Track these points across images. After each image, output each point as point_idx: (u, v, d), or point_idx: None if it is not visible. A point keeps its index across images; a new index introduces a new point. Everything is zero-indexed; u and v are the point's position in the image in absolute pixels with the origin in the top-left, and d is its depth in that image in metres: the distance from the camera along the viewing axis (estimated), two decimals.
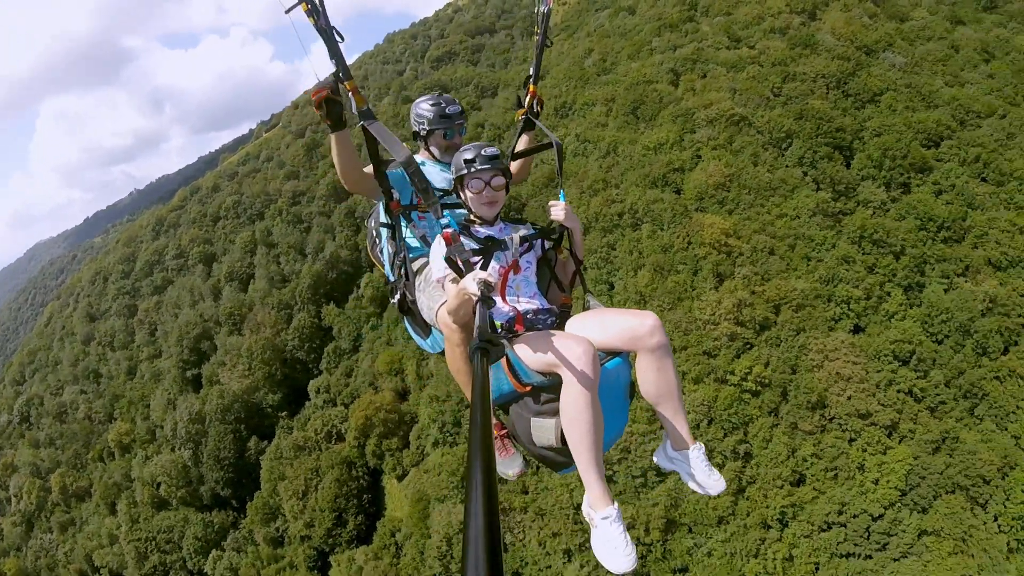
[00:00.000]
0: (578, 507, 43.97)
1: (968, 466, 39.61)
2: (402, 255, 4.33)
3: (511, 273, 3.89)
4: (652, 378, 3.52)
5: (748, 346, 45.67)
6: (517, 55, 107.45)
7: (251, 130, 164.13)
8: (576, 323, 3.74)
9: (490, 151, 3.91)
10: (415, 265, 4.37)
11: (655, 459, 3.90)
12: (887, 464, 39.94)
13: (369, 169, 4.24)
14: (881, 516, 39.17)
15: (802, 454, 40.85)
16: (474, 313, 3.08)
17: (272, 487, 55.75)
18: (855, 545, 39.02)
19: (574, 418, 3.14)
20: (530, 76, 4.85)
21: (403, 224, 4.36)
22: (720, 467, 41.22)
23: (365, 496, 53.00)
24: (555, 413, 3.32)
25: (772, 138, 58.38)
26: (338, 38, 3.79)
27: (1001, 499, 40.40)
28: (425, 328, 4.48)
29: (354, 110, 3.89)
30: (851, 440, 41.19)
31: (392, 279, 4.57)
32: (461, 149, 3.99)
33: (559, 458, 3.49)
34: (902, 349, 43.77)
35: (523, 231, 4.04)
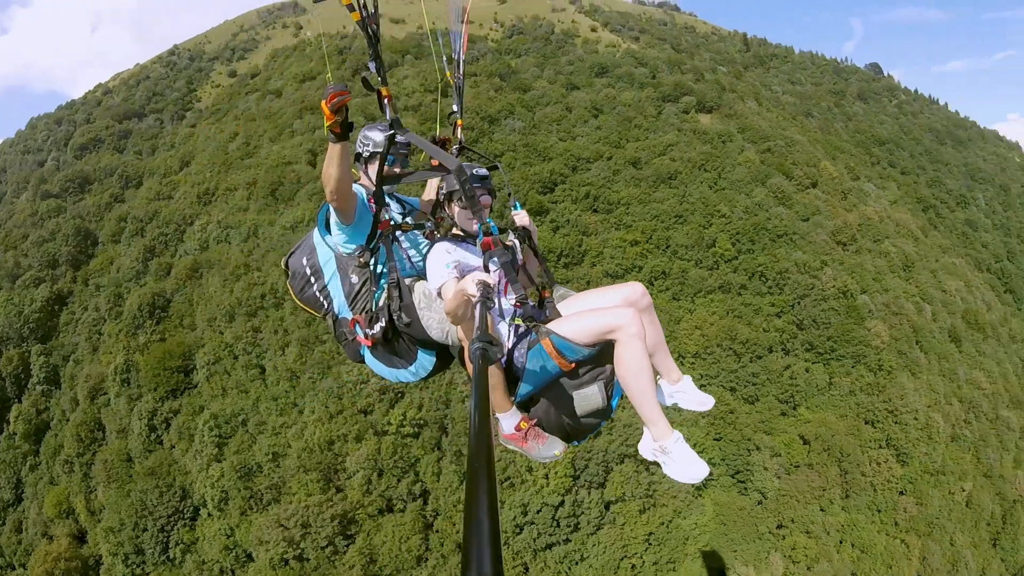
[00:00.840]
0: None
1: (627, 437, 47.86)
2: (394, 277, 4.34)
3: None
4: (649, 331, 4.09)
5: (400, 395, 50.63)
6: (166, 140, 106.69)
7: None
8: (573, 306, 4.35)
9: (481, 171, 4.35)
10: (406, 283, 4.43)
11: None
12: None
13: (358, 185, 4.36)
14: (562, 503, 45.90)
15: None
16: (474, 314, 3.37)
17: None
18: (550, 536, 45.29)
19: (638, 369, 3.80)
20: (455, 112, 5.39)
21: (392, 245, 4.41)
22: (401, 511, 46.05)
23: None
24: (594, 379, 3.99)
25: None
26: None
27: None
28: (410, 355, 4.60)
29: (389, 117, 4.09)
30: None
31: (349, 315, 4.57)
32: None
33: (594, 420, 4.13)
34: None
35: (510, 238, 4.58)
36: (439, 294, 4.06)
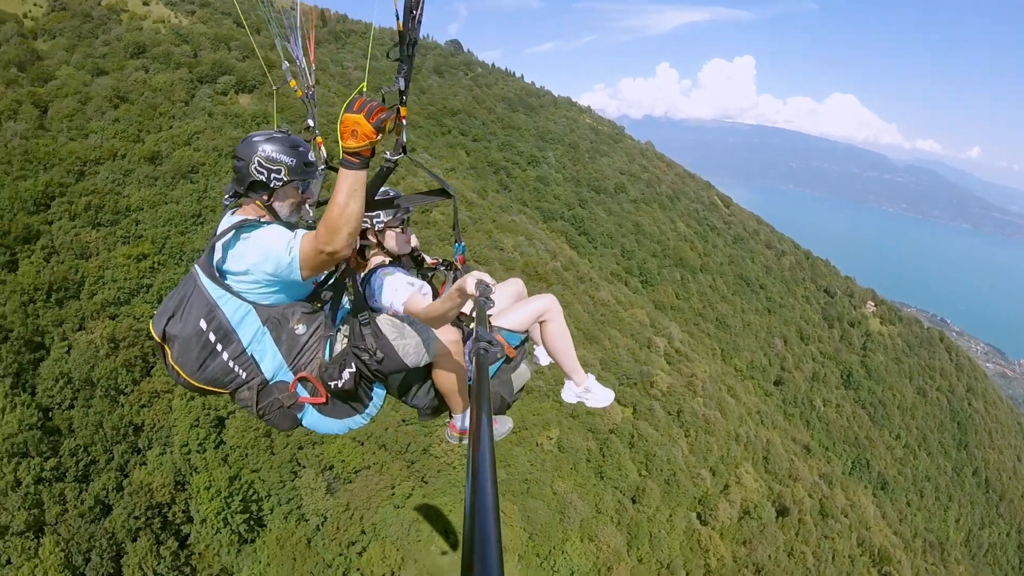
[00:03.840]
0: None
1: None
2: (366, 313, 3.72)
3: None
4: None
5: None
6: None
7: None
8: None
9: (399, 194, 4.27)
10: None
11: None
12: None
13: None
14: None
15: None
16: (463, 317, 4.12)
17: None
18: None
19: (564, 335, 4.77)
20: (311, 127, 4.81)
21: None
22: None
23: None
24: (522, 359, 4.65)
25: None
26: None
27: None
28: (368, 395, 4.00)
29: (404, 140, 3.56)
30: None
31: (289, 376, 3.70)
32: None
33: (521, 392, 4.68)
34: (17, 444, 39.30)
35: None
36: (404, 309, 3.85)
